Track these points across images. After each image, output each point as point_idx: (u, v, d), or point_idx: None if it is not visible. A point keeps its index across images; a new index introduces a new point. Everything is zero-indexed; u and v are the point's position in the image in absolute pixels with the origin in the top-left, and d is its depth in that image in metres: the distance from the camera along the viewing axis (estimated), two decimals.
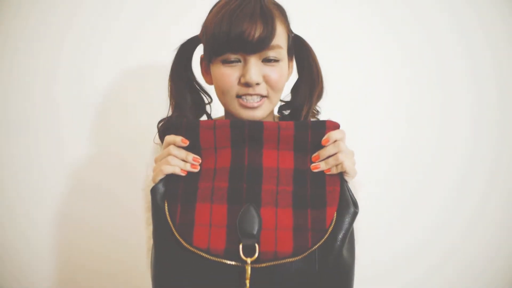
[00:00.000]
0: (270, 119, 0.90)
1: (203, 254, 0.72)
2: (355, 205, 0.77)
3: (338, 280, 0.74)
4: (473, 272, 1.34)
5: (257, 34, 0.77)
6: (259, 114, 0.83)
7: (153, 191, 0.78)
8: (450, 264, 1.33)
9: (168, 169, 0.78)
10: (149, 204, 0.81)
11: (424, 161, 1.32)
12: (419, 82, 1.33)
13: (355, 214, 0.75)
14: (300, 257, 0.72)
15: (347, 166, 0.77)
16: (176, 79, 0.88)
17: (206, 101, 0.93)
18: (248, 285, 0.70)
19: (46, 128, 1.27)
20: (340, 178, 0.77)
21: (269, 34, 0.78)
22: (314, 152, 0.78)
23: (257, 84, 0.80)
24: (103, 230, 1.26)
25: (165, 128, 0.85)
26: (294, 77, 0.93)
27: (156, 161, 0.83)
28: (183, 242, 0.73)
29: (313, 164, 0.78)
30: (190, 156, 0.78)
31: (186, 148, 0.79)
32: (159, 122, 0.90)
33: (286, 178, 0.76)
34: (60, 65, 1.27)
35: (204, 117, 0.92)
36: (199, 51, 0.91)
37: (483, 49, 1.33)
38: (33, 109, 1.27)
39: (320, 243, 0.73)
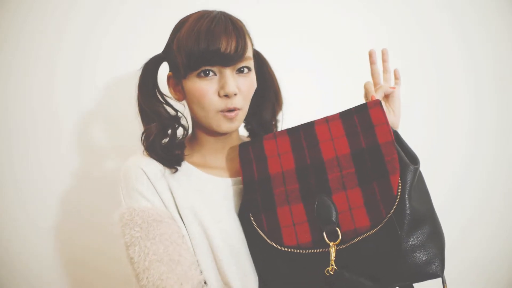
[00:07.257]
0: (235, 134, 0.97)
1: (295, 251, 0.81)
2: (415, 161, 0.82)
3: (425, 233, 0.79)
4: (473, 273, 1.35)
5: (233, 48, 0.83)
6: (236, 125, 0.89)
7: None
8: (450, 264, 1.33)
9: None
10: (130, 240, 0.83)
11: (424, 161, 1.32)
12: (419, 82, 1.34)
13: (415, 170, 0.80)
14: (378, 227, 0.77)
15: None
16: (146, 96, 0.91)
17: (177, 114, 0.94)
18: (334, 265, 0.77)
19: (46, 128, 1.27)
20: (394, 145, 0.81)
21: (243, 46, 0.85)
22: (365, 133, 0.83)
23: (235, 94, 0.85)
24: (104, 230, 1.26)
25: (166, 145, 0.90)
26: None
27: None
28: (275, 245, 0.82)
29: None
30: None
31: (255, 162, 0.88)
32: (145, 136, 0.90)
33: (347, 162, 0.83)
34: (58, 67, 1.27)
35: (180, 130, 0.95)
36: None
37: (483, 49, 1.34)
38: (32, 110, 1.27)
39: (393, 210, 0.77)
